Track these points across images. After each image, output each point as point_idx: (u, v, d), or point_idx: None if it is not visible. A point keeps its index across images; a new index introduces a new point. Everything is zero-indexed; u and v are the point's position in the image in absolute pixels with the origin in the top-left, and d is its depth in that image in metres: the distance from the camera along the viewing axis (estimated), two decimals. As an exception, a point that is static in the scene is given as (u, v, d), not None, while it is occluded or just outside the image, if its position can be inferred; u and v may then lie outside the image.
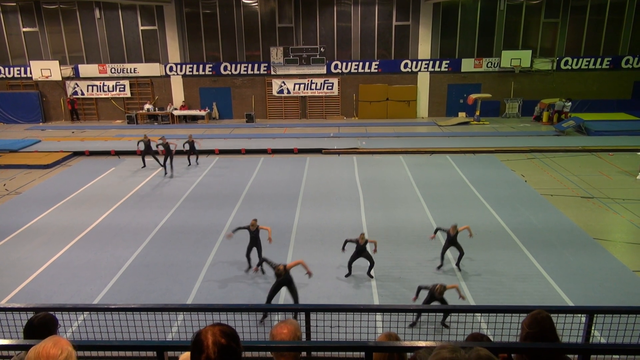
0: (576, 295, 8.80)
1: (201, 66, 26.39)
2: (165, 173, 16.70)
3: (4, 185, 16.06)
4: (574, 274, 9.62)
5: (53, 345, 2.29)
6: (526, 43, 25.69)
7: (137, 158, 18.59)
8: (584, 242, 11.01)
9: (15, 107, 26.80)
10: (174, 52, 26.18)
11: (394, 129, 23.72)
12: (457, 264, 9.84)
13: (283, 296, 8.57)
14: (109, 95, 27.00)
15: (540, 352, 2.96)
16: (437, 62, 25.88)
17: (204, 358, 2.03)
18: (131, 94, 26.90)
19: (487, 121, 24.89)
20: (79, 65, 26.52)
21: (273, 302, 8.13)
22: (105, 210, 13.50)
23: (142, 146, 17.31)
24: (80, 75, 26.66)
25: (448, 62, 25.88)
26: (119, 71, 26.57)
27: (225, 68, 26.37)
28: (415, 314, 7.97)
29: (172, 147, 16.54)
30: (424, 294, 7.99)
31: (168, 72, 26.52)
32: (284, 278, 7.98)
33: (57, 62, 25.84)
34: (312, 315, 4.67)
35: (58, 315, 3.69)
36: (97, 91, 26.93)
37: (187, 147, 17.56)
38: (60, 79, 26.09)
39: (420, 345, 2.91)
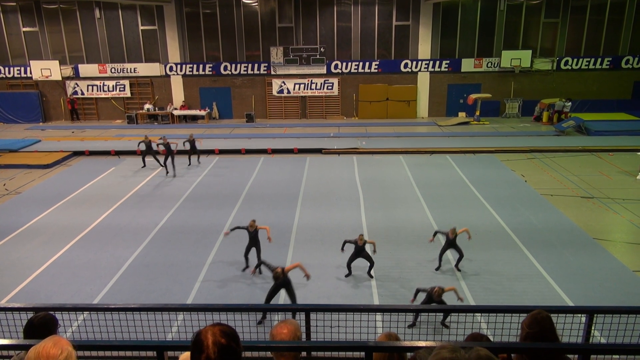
0: (576, 295, 8.80)
1: (201, 66, 26.40)
2: (167, 172, 16.67)
3: (4, 185, 16.06)
4: (574, 274, 9.62)
5: (53, 345, 2.29)
6: (526, 43, 25.69)
7: (137, 158, 18.59)
8: (584, 242, 11.01)
9: (15, 107, 26.80)
10: (174, 52, 26.18)
11: (394, 129, 23.72)
12: (456, 266, 9.84)
13: (283, 297, 8.56)
14: (109, 95, 27.01)
15: (540, 352, 2.96)
16: (437, 62, 25.88)
17: (204, 358, 2.03)
18: (131, 93, 26.91)
19: (487, 121, 24.89)
20: (79, 65, 26.53)
21: (273, 302, 8.12)
22: (105, 210, 13.50)
23: (143, 147, 17.32)
24: (80, 75, 26.66)
25: (448, 62, 25.88)
26: (119, 71, 26.58)
27: (225, 68, 26.37)
28: (413, 315, 7.97)
29: (173, 147, 16.52)
30: (421, 297, 7.99)
31: (168, 72, 26.52)
32: (282, 281, 7.95)
33: (57, 62, 25.84)
34: (312, 315, 4.67)
35: (58, 315, 3.69)
36: (97, 91, 26.93)
37: (187, 145, 17.57)
38: (60, 78, 26.10)
39: (420, 345, 2.91)
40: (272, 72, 26.22)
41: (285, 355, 2.81)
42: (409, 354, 3.00)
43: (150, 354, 3.89)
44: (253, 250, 9.83)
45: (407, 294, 8.79)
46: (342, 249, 9.78)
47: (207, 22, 26.17)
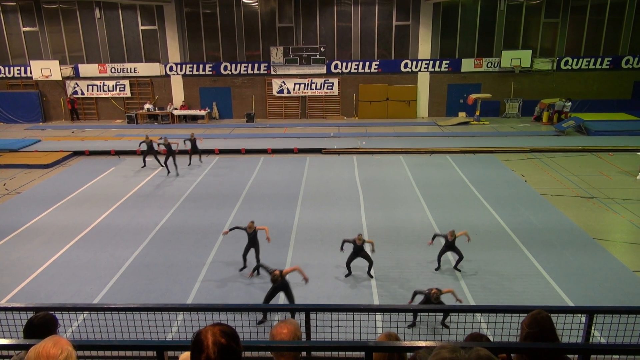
0: (576, 295, 8.80)
1: (201, 66, 26.40)
2: (169, 172, 16.62)
3: (4, 184, 16.06)
4: (574, 274, 9.62)
5: (53, 345, 2.29)
6: (526, 43, 25.69)
7: (137, 158, 18.60)
8: (584, 242, 11.01)
9: (15, 106, 26.80)
10: (174, 52, 26.18)
11: (394, 129, 23.72)
12: (456, 266, 9.84)
13: (282, 297, 8.56)
14: (109, 95, 27.01)
15: (540, 352, 2.96)
16: (437, 62, 25.88)
17: (204, 358, 2.03)
18: (131, 93, 26.91)
19: (487, 121, 24.89)
20: (79, 65, 26.53)
21: (273, 302, 8.12)
22: (105, 210, 13.50)
23: (144, 147, 17.32)
24: (80, 75, 26.66)
25: (448, 62, 25.88)
26: (119, 71, 26.58)
27: (225, 68, 26.37)
28: (412, 316, 7.97)
29: (174, 147, 16.51)
30: (419, 299, 7.99)
31: (168, 72, 26.52)
32: (280, 284, 7.93)
33: (57, 61, 25.85)
34: (312, 315, 4.67)
35: (58, 315, 3.69)
36: (97, 91, 26.93)
37: (188, 144, 17.60)
38: (60, 78, 26.10)
39: (420, 345, 2.91)
40: (272, 72, 26.22)
41: (285, 355, 2.81)
42: (409, 354, 3.00)
43: (150, 354, 3.90)
44: (252, 251, 9.82)
45: (407, 294, 8.78)
46: (342, 248, 9.78)
47: (207, 22, 26.17)
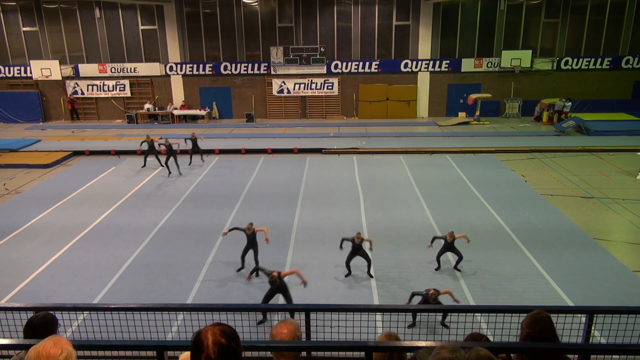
0: (576, 295, 8.80)
1: (201, 66, 26.39)
2: (170, 173, 16.55)
3: (4, 184, 16.06)
4: (574, 274, 9.62)
5: (53, 344, 2.29)
6: (526, 43, 25.69)
7: (137, 158, 18.60)
8: (584, 242, 11.01)
9: (15, 106, 26.80)
10: (174, 52, 26.19)
11: (394, 129, 23.72)
12: (455, 267, 9.84)
13: (282, 298, 8.55)
14: (109, 94, 27.01)
15: (540, 352, 2.96)
16: (437, 62, 25.88)
17: (204, 358, 2.03)
18: (131, 93, 26.91)
19: (487, 121, 24.89)
20: (79, 65, 26.53)
21: (273, 302, 8.12)
22: (105, 209, 13.50)
23: (145, 146, 17.31)
24: (80, 75, 26.67)
25: (448, 62, 25.88)
26: (119, 71, 26.58)
27: (225, 68, 26.37)
28: (412, 316, 7.97)
29: (175, 147, 16.50)
30: (417, 300, 7.98)
31: (168, 72, 26.52)
32: (278, 285, 7.92)
33: (57, 61, 25.85)
34: (312, 315, 4.67)
35: (58, 315, 3.69)
36: (97, 91, 26.93)
37: (189, 144, 17.61)
38: (60, 78, 26.10)
39: (420, 345, 2.91)
40: (272, 72, 26.21)
41: (285, 355, 2.80)
42: (409, 354, 3.00)
43: (150, 354, 3.89)
44: (251, 252, 9.82)
45: (407, 294, 8.76)
46: (341, 247, 9.78)
47: (207, 22, 26.17)
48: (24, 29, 26.33)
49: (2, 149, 20.10)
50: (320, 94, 26.55)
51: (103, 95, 27.04)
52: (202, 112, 26.31)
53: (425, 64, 25.88)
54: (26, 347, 2.57)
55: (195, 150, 17.90)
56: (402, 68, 25.99)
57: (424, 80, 26.15)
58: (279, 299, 8.46)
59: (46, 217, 13.09)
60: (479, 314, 7.14)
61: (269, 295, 8.01)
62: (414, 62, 25.88)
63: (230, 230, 10.05)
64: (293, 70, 26.04)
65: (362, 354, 2.97)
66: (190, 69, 26.46)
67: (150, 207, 13.68)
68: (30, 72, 26.06)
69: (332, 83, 26.23)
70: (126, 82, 26.66)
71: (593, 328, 4.42)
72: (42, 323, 3.40)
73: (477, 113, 24.80)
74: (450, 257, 10.11)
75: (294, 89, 26.41)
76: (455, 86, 26.16)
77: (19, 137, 22.60)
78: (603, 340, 5.61)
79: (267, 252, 10.14)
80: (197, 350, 2.06)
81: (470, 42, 25.90)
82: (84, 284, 9.49)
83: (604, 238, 11.26)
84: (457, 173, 16.47)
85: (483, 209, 13.13)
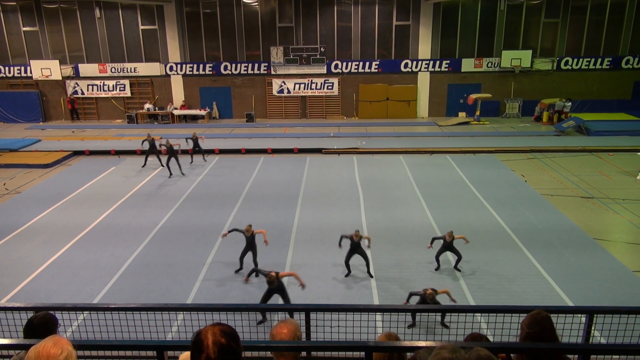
0: (576, 295, 8.80)
1: (201, 66, 26.40)
2: (170, 174, 16.47)
3: (4, 184, 16.06)
4: (574, 274, 9.62)
5: (53, 344, 2.29)
6: (526, 43, 25.69)
7: (137, 158, 18.60)
8: (584, 242, 11.01)
9: (16, 106, 26.81)
10: (174, 52, 26.19)
11: (394, 129, 23.72)
12: (455, 267, 9.84)
13: (281, 299, 8.55)
14: (109, 94, 27.01)
15: (540, 352, 2.96)
16: (437, 62, 25.88)
17: (204, 358, 2.03)
18: (131, 93, 26.91)
19: (487, 121, 24.89)
20: (79, 65, 26.53)
21: (273, 302, 8.12)
22: (105, 209, 13.50)
23: (146, 145, 17.31)
24: (81, 75, 26.67)
25: (448, 62, 25.88)
26: (119, 70, 26.58)
27: (226, 68, 26.37)
28: (411, 316, 7.97)
29: (176, 148, 16.48)
30: (415, 300, 7.98)
31: (168, 72, 26.52)
32: (276, 286, 7.92)
33: (57, 61, 25.86)
34: (312, 315, 4.67)
35: (58, 315, 3.69)
36: (97, 90, 26.94)
37: (190, 143, 17.61)
38: (60, 78, 26.11)
39: (420, 345, 2.91)
40: (272, 72, 26.22)
41: (285, 355, 2.80)
42: (409, 354, 3.00)
43: (150, 353, 3.89)
44: (249, 254, 9.81)
45: (407, 294, 8.78)
46: (340, 244, 9.79)
47: (207, 22, 26.17)
48: (24, 28, 26.33)
49: (2, 149, 20.10)
50: (320, 94, 26.55)
51: (103, 95, 27.04)
52: (202, 112, 26.31)
53: (425, 64, 25.88)
54: (26, 347, 2.57)
55: (197, 150, 17.91)
56: (402, 68, 25.99)
57: (424, 80, 26.15)
58: (278, 299, 8.46)
59: (46, 217, 13.09)
60: (479, 314, 7.14)
61: (266, 296, 8.01)
62: (414, 62, 25.88)
63: (229, 231, 10.06)
64: (293, 70, 26.04)
65: (362, 354, 2.97)
66: (190, 69, 26.46)
67: (150, 207, 13.68)
68: (31, 72, 26.07)
69: (332, 83, 26.23)
70: (126, 82, 26.66)
71: (593, 328, 4.42)
72: (42, 323, 3.40)
73: (477, 113, 24.80)
74: (450, 257, 10.11)
75: (294, 89, 26.41)
76: (455, 86, 26.16)
77: (19, 137, 22.60)
78: (603, 340, 5.61)
79: (267, 252, 10.14)
80: (197, 350, 2.06)
81: (471, 42, 25.90)
82: (84, 284, 9.49)
83: (604, 238, 11.26)
84: (457, 173, 16.47)
85: (483, 209, 13.13)
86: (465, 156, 18.69)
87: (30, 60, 26.00)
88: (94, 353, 3.97)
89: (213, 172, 17.20)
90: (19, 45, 26.57)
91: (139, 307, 4.70)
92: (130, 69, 26.53)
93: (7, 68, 26.70)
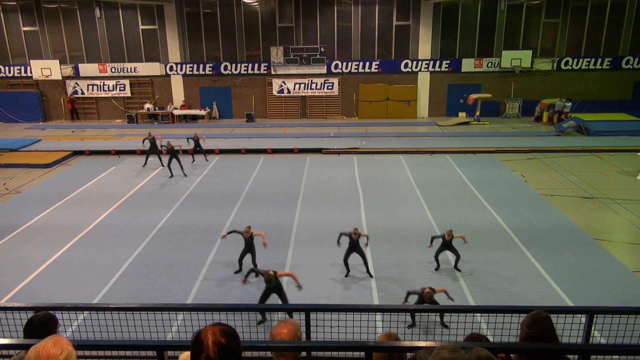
0: (576, 295, 8.80)
1: (201, 66, 26.40)
2: (171, 175, 16.40)
3: (4, 184, 16.06)
4: (574, 274, 9.61)
5: (53, 344, 2.29)
6: (526, 43, 25.69)
7: (137, 157, 18.61)
8: (584, 242, 11.01)
9: (16, 106, 26.81)
10: (174, 52, 26.19)
11: (394, 129, 23.72)
12: (455, 267, 9.84)
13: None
14: (109, 94, 27.01)
15: (540, 352, 2.96)
16: (438, 62, 25.88)
17: (204, 358, 2.03)
18: (131, 93, 26.92)
19: (487, 121, 24.89)
20: (79, 65, 26.54)
21: (273, 302, 8.11)
22: (105, 209, 13.50)
23: (147, 144, 17.31)
24: (81, 75, 26.68)
25: (448, 62, 25.88)
26: (119, 70, 26.58)
27: (226, 68, 26.38)
28: (411, 316, 7.97)
29: (177, 149, 16.45)
30: (413, 299, 7.98)
31: (168, 72, 26.52)
32: (274, 285, 7.92)
33: (57, 61, 25.87)
34: (312, 315, 4.67)
35: (58, 315, 3.69)
36: (97, 90, 26.94)
37: (192, 143, 17.63)
38: (60, 78, 26.12)
39: (420, 345, 2.91)
40: (272, 72, 26.22)
41: (285, 355, 2.80)
42: (409, 354, 3.00)
43: (150, 353, 3.90)
44: (248, 256, 9.81)
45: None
46: (338, 242, 9.80)
47: (207, 22, 26.18)
48: (24, 28, 26.34)
49: (2, 149, 20.10)
50: (320, 94, 26.55)
51: (103, 95, 27.05)
52: (202, 112, 26.31)
53: (426, 64, 25.88)
54: (26, 347, 2.57)
55: (198, 149, 17.91)
56: (402, 68, 25.99)
57: (424, 80, 26.15)
58: (278, 299, 8.46)
59: (46, 216, 13.09)
60: (479, 314, 7.14)
61: (265, 295, 8.02)
62: (414, 62, 25.88)
63: (229, 233, 10.08)
64: (293, 70, 26.04)
65: (362, 354, 2.97)
66: (191, 69, 26.47)
67: (150, 207, 13.68)
68: (31, 72, 26.08)
69: (332, 83, 26.23)
70: (126, 81, 26.67)
71: (593, 328, 4.42)
72: (42, 323, 3.40)
73: (477, 113, 24.80)
74: (450, 257, 10.11)
75: (294, 89, 26.41)
76: (455, 86, 26.17)
77: (19, 136, 22.60)
78: (603, 341, 5.61)
79: (267, 252, 10.13)
80: (197, 350, 2.06)
81: (471, 42, 25.90)
82: (84, 284, 9.49)
83: (604, 238, 11.26)
84: (457, 173, 16.47)
85: (483, 209, 13.13)
86: (465, 156, 18.69)
87: (31, 60, 26.01)
88: (94, 353, 3.97)
89: (213, 172, 17.20)
90: (19, 45, 26.57)
91: (139, 307, 4.70)
92: (130, 68, 26.53)
93: (7, 68, 26.71)
